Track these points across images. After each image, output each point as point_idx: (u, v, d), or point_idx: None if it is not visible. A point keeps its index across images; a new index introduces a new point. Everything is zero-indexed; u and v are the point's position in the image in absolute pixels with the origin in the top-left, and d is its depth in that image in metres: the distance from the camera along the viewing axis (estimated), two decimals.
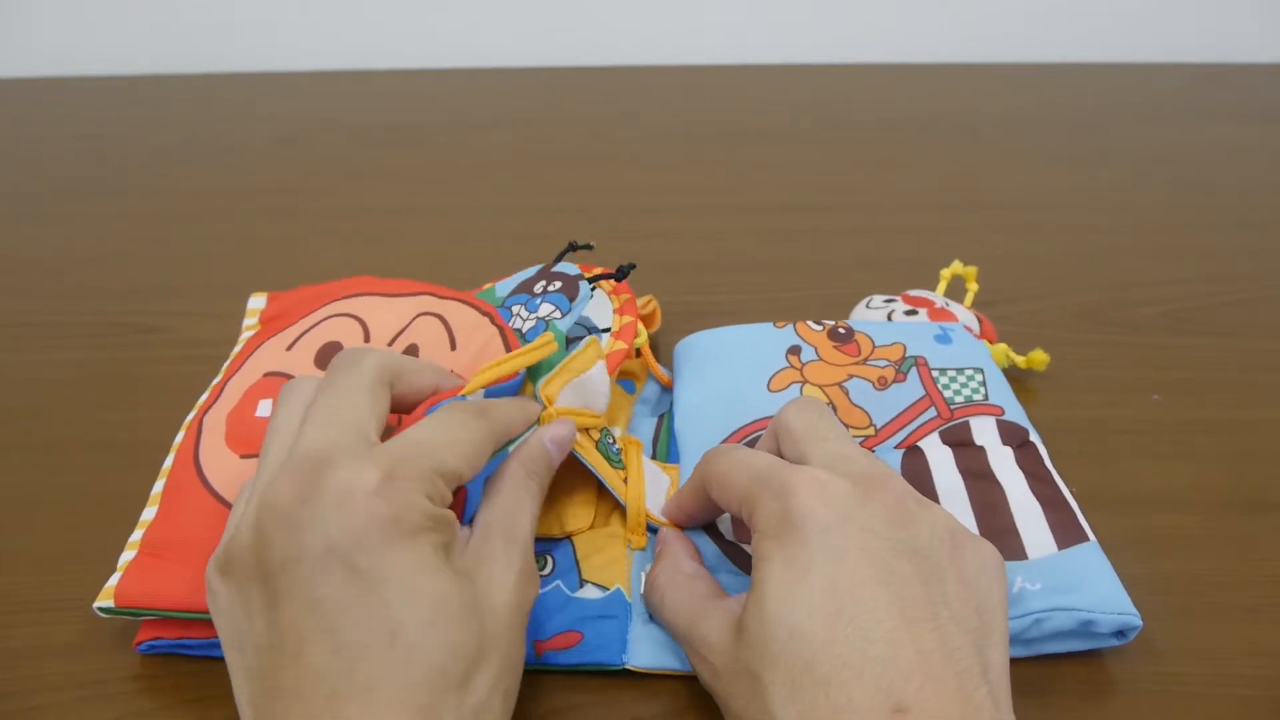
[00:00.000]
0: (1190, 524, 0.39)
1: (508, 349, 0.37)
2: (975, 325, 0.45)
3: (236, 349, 0.42)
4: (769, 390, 0.40)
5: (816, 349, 0.42)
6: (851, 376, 0.40)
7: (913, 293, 0.47)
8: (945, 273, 0.47)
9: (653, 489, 0.36)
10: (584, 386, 0.35)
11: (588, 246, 0.44)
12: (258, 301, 0.44)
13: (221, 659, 0.32)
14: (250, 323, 0.43)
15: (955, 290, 0.49)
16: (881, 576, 0.26)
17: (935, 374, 0.40)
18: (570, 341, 0.38)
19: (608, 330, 0.41)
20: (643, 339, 0.42)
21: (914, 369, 0.41)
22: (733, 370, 0.41)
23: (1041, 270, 0.56)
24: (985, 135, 0.73)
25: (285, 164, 0.70)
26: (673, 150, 0.71)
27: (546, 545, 0.35)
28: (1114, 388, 0.46)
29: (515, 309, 0.41)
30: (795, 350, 0.42)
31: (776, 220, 0.61)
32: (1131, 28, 0.86)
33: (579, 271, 0.42)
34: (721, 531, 0.35)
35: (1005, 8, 0.85)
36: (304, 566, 0.25)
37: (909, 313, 0.45)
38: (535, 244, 0.59)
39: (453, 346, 0.38)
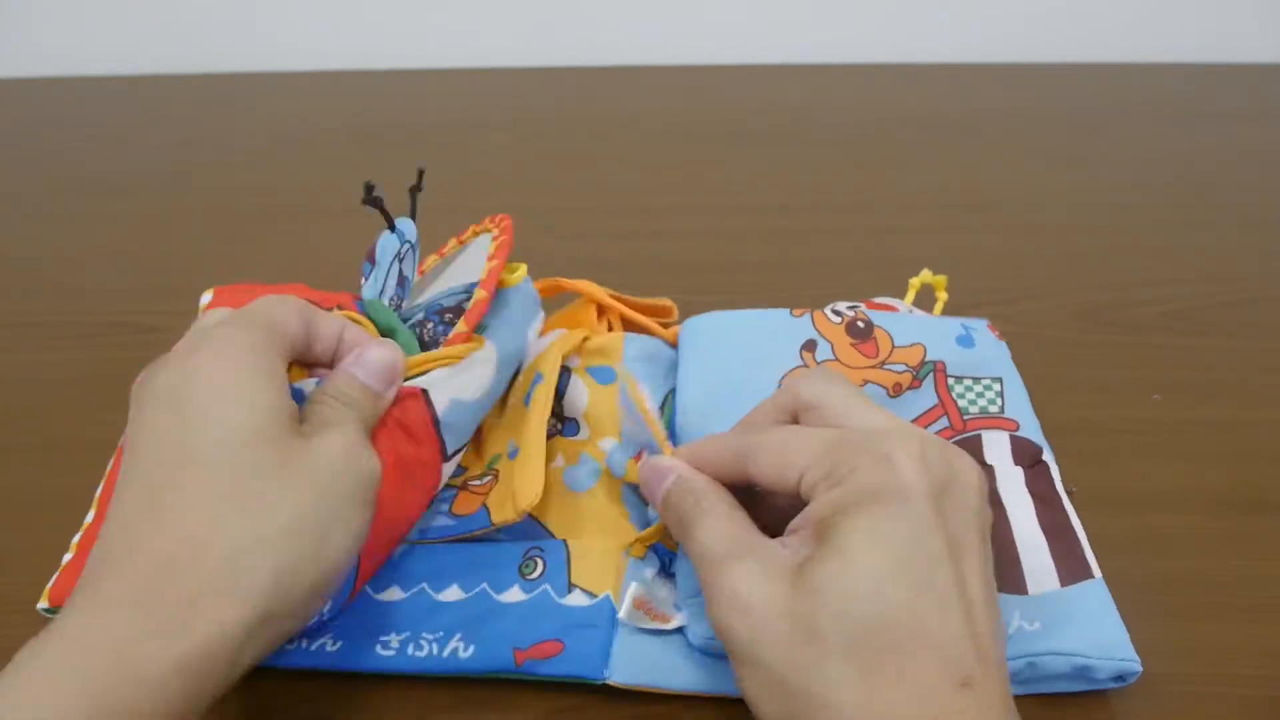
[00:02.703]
0: (1190, 524, 0.39)
1: None
2: None
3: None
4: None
5: (833, 345, 0.40)
6: (867, 382, 0.39)
7: (878, 300, 0.46)
8: (914, 281, 0.46)
9: None
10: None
11: (419, 175, 0.41)
12: (206, 298, 0.43)
13: None
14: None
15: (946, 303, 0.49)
16: (954, 552, 0.27)
17: (951, 382, 0.39)
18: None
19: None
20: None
21: (931, 375, 0.39)
22: (742, 360, 0.39)
23: (1041, 270, 0.56)
24: (985, 135, 0.73)
25: (285, 164, 0.70)
26: (673, 150, 0.71)
27: (539, 546, 0.35)
28: (1114, 388, 0.46)
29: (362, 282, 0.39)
30: (810, 346, 0.40)
31: (776, 220, 0.61)
32: (1131, 28, 0.86)
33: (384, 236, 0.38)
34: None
35: (1005, 8, 0.85)
36: (145, 409, 0.28)
37: None
38: (535, 244, 0.59)
39: None
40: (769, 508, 0.32)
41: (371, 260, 0.37)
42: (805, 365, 0.39)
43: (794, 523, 0.28)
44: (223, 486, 0.27)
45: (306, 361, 0.32)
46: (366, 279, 0.37)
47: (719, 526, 0.29)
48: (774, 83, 0.83)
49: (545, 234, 0.60)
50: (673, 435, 0.38)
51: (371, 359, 0.32)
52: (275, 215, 0.63)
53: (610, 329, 0.43)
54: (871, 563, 0.26)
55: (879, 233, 0.60)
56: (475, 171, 0.68)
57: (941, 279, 0.46)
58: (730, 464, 0.31)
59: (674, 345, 0.43)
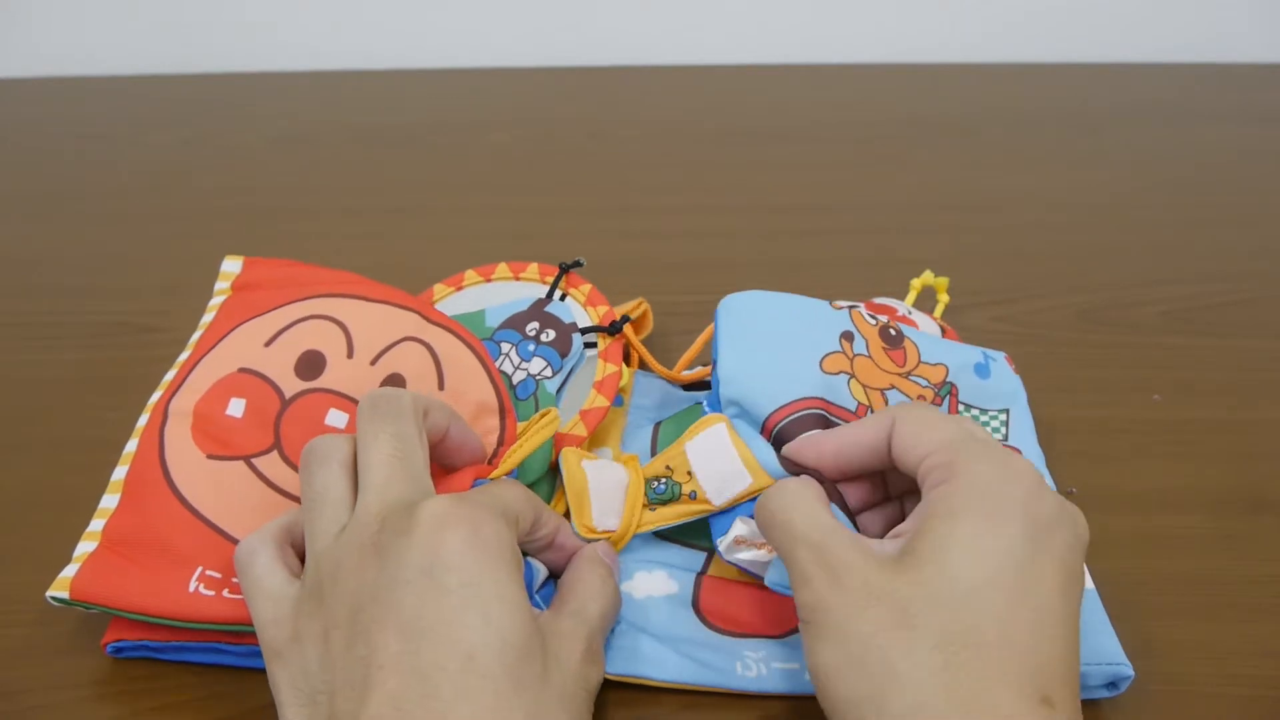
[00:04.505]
0: (1190, 524, 0.39)
1: (497, 394, 0.37)
2: (938, 334, 0.44)
3: (207, 318, 0.40)
4: (821, 370, 0.37)
5: (868, 343, 0.39)
6: (893, 387, 0.39)
7: (878, 300, 0.46)
8: (915, 283, 0.46)
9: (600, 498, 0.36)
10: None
11: (578, 264, 0.44)
12: (233, 265, 0.42)
13: (198, 664, 0.33)
14: (222, 286, 0.42)
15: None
16: (1065, 587, 0.27)
17: (961, 409, 0.39)
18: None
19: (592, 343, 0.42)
20: (639, 347, 0.43)
21: (947, 398, 0.39)
22: (784, 339, 0.39)
23: (1041, 270, 0.56)
24: (985, 135, 0.73)
25: (285, 164, 0.70)
26: (673, 150, 0.71)
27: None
28: (1114, 388, 0.46)
29: (505, 348, 0.40)
30: (849, 337, 0.39)
31: (776, 220, 0.61)
32: (1131, 28, 0.86)
33: (573, 320, 0.41)
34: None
35: (1005, 8, 0.85)
36: (396, 590, 0.26)
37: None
38: (535, 244, 0.59)
39: (440, 385, 0.37)
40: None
41: (562, 355, 0.40)
42: (843, 353, 0.39)
43: (901, 526, 0.29)
44: (492, 702, 0.25)
45: (521, 546, 0.33)
46: (529, 355, 0.40)
47: (817, 510, 0.30)
48: (774, 83, 0.83)
49: (546, 235, 0.60)
50: (714, 405, 0.38)
51: (611, 551, 0.35)
52: (275, 215, 0.63)
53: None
54: (976, 563, 0.27)
55: (879, 233, 0.60)
56: (475, 171, 0.68)
57: (943, 281, 0.46)
58: (877, 432, 0.32)
59: (671, 382, 0.44)
